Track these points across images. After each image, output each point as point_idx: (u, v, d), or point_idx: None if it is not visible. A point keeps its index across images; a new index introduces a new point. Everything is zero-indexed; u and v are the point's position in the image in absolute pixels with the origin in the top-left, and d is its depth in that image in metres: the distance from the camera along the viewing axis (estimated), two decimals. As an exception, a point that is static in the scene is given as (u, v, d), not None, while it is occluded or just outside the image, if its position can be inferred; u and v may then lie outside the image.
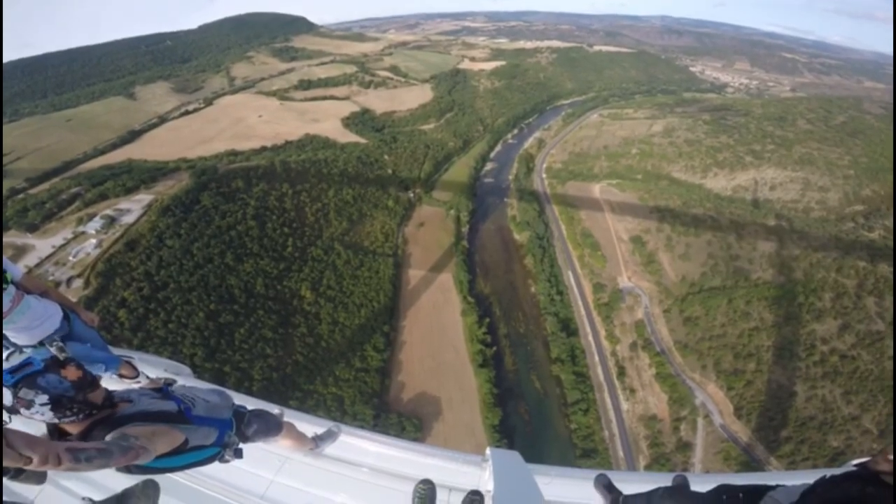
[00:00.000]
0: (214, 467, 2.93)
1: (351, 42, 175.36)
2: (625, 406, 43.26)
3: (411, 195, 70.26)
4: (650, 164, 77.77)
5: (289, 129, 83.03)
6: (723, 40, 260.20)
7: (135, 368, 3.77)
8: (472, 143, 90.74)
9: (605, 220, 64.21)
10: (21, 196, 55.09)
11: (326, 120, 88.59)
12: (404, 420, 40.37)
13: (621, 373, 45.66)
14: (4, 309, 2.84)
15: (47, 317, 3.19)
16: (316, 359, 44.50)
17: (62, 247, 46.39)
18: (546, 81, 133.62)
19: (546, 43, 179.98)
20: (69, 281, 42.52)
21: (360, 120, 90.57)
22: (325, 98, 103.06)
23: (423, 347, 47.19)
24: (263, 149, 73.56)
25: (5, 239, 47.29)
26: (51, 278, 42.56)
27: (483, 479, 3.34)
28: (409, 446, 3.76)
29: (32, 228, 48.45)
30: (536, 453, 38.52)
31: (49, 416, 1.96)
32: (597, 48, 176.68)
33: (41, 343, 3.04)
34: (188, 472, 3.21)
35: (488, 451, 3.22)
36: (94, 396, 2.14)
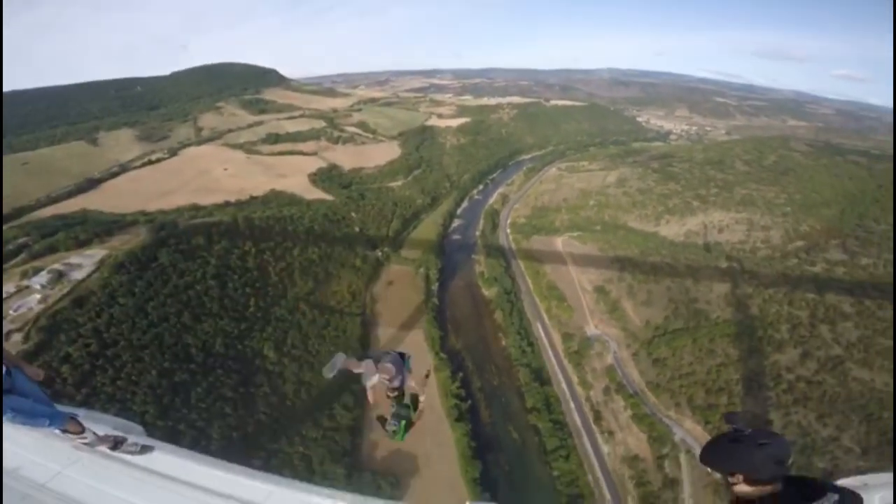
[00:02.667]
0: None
1: (321, 97, 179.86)
2: (605, 449, 43.64)
3: (379, 254, 70.17)
4: (607, 215, 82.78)
5: (254, 183, 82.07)
6: (664, 88, 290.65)
7: (80, 424, 3.64)
8: (439, 199, 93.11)
9: (569, 272, 66.97)
10: None
11: (293, 175, 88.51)
12: (379, 478, 38.75)
13: (597, 417, 46.44)
14: None
15: None
16: (280, 418, 42.45)
17: (3, 300, 42.81)
18: (508, 137, 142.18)
19: (507, 99, 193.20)
20: (8, 335, 39.35)
21: (328, 176, 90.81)
22: (292, 153, 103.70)
23: (396, 406, 45.62)
24: (227, 204, 72.02)
25: None
26: None
27: None
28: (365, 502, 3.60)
29: None
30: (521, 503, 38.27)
31: None
32: (553, 102, 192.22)
33: None
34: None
35: None
36: None
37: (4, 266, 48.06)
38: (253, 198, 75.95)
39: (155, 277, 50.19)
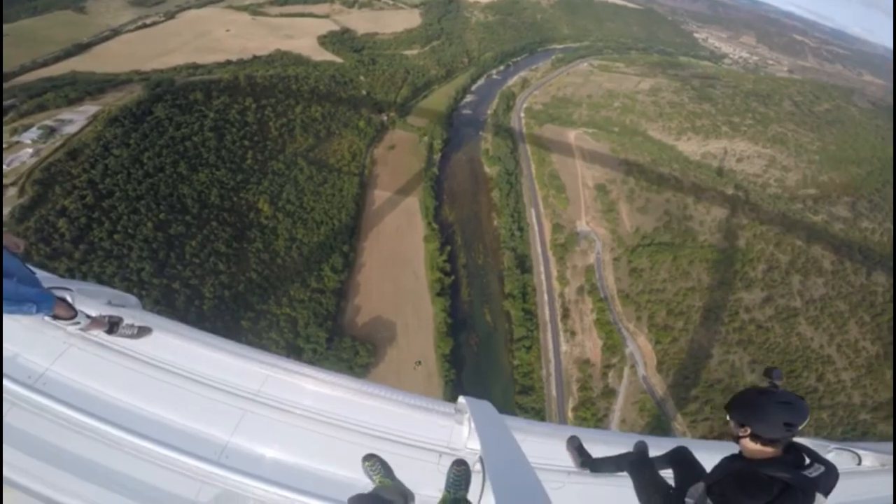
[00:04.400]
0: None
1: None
2: (564, 347, 44.70)
3: (384, 118, 67.47)
4: (629, 119, 78.27)
5: (259, 44, 77.08)
6: (737, 12, 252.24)
7: (71, 307, 2.98)
8: (455, 73, 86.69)
9: (575, 165, 64.99)
10: None
11: (302, 37, 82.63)
12: (358, 344, 39.84)
13: (566, 314, 46.99)
14: None
15: None
16: (271, 276, 43.02)
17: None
18: (542, 23, 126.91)
19: None
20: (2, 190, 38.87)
21: (339, 39, 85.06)
22: (302, 15, 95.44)
23: (383, 271, 46.55)
24: (228, 63, 68.50)
25: None
26: None
27: (459, 434, 2.93)
28: (363, 388, 3.09)
29: None
30: (481, 385, 39.89)
31: None
32: None
33: None
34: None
35: (462, 400, 2.90)
36: None
37: None
38: (256, 57, 72.07)
39: (150, 130, 48.84)
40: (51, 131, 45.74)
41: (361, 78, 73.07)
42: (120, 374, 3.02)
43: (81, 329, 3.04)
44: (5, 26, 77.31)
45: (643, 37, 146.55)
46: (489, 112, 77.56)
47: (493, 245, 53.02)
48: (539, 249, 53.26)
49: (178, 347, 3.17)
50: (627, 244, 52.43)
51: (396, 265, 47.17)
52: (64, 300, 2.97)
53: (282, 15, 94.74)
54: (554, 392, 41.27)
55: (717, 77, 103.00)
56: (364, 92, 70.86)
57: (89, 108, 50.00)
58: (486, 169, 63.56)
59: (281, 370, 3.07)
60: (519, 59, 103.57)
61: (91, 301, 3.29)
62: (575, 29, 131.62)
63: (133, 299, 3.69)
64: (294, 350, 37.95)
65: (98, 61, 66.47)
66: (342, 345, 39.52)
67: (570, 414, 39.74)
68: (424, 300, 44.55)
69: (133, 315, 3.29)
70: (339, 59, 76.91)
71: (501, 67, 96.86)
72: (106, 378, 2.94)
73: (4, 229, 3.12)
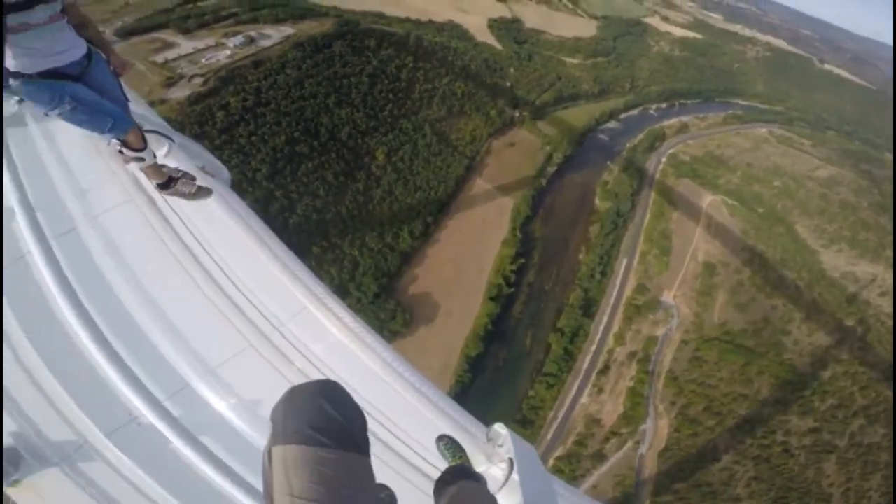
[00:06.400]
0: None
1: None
2: (583, 399, 42.63)
3: (516, 114, 67.10)
4: (781, 205, 67.17)
5: (437, 10, 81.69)
6: None
7: (143, 139, 2.76)
8: (608, 95, 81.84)
9: (694, 232, 58.66)
10: (190, 6, 60.88)
11: (475, 14, 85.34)
12: (398, 311, 40.89)
13: (604, 371, 44.37)
14: (35, 21, 2.17)
15: (69, 48, 2.43)
16: (356, 217, 46.33)
17: (201, 50, 51.88)
18: (735, 73, 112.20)
19: (767, 38, 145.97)
20: (191, 77, 48.00)
21: (506, 26, 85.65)
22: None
23: (453, 254, 47.53)
24: (407, 20, 74.12)
25: (160, 34, 52.99)
26: (179, 71, 48.26)
27: (486, 471, 2.15)
28: (392, 363, 2.50)
29: (185, 31, 54.30)
30: (487, 399, 39.27)
31: None
32: (829, 67, 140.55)
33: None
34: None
35: (502, 431, 2.20)
36: None
37: (214, 26, 56.37)
38: (431, 21, 76.77)
39: (323, 60, 55.99)
40: (251, 41, 54.71)
41: (511, 70, 73.24)
42: (145, 242, 2.73)
43: (141, 168, 2.81)
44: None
45: (853, 119, 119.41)
46: (628, 145, 72.10)
47: (568, 277, 50.57)
48: (612, 301, 49.67)
49: (227, 232, 2.80)
50: (706, 334, 47.45)
51: (467, 255, 47.69)
52: (139, 130, 2.75)
53: None
54: (549, 436, 40.03)
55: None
56: (508, 84, 71.08)
57: (287, 31, 58.32)
58: (597, 201, 59.91)
59: (320, 306, 2.58)
60: (689, 102, 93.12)
61: (183, 156, 3.06)
62: (772, 89, 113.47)
63: (226, 172, 3.37)
64: (343, 291, 40.53)
65: (313, -10, 76.38)
66: (385, 305, 41.11)
67: (551, 461, 38.43)
68: (476, 298, 44.68)
69: (218, 183, 3.01)
70: (498, 46, 78.05)
71: (664, 105, 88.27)
72: (127, 241, 2.71)
73: (113, 49, 2.95)
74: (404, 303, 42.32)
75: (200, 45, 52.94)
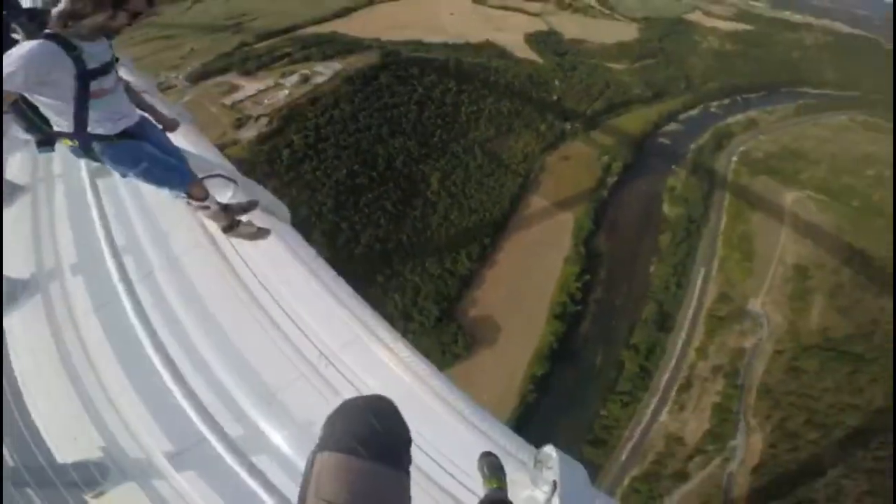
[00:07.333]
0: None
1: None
2: (663, 417, 39.19)
3: (567, 127, 65.45)
4: (879, 195, 59.47)
5: (474, 31, 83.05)
6: None
7: (204, 189, 2.89)
8: (664, 97, 77.74)
9: (779, 234, 53.35)
10: (247, 48, 66.81)
11: (511, 31, 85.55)
12: (460, 334, 40.88)
13: (685, 387, 40.73)
14: (103, 87, 2.29)
15: (131, 110, 2.61)
16: (417, 244, 47.27)
17: (263, 91, 56.18)
18: (797, 62, 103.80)
19: (823, 22, 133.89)
20: (258, 118, 52.16)
21: (544, 40, 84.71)
22: (517, 10, 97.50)
23: (511, 275, 46.54)
24: (445, 45, 75.75)
25: (226, 78, 58.01)
26: (246, 112, 52.52)
27: (532, 489, 2.04)
28: (441, 390, 2.47)
29: (247, 74, 59.23)
30: (552, 419, 37.73)
31: None
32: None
33: None
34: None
35: (551, 452, 2.09)
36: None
37: (272, 67, 60.98)
38: (468, 44, 77.85)
39: (372, 92, 58.52)
40: (305, 79, 58.30)
41: (556, 83, 72.01)
42: (211, 282, 3.04)
43: (208, 215, 2.98)
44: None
45: None
46: (693, 147, 67.63)
47: (639, 291, 47.48)
48: (690, 313, 45.91)
49: (285, 266, 2.96)
50: (803, 342, 42.44)
51: (527, 275, 46.39)
52: (200, 182, 2.87)
53: (498, 7, 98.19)
54: (624, 456, 37.11)
55: None
56: (555, 97, 69.94)
57: (336, 66, 61.67)
58: (666, 208, 56.19)
59: (373, 336, 2.64)
60: (753, 95, 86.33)
61: (245, 198, 3.30)
62: (843, 74, 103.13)
63: (286, 212, 3.50)
64: (406, 316, 41.20)
65: (354, 25, 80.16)
66: (447, 328, 41.19)
67: (626, 481, 35.62)
68: (540, 318, 43.18)
69: (277, 223, 3.18)
70: (539, 60, 77.39)
71: (726, 101, 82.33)
72: (196, 281, 3.05)
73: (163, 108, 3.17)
74: (465, 326, 42.03)
75: (261, 86, 57.10)
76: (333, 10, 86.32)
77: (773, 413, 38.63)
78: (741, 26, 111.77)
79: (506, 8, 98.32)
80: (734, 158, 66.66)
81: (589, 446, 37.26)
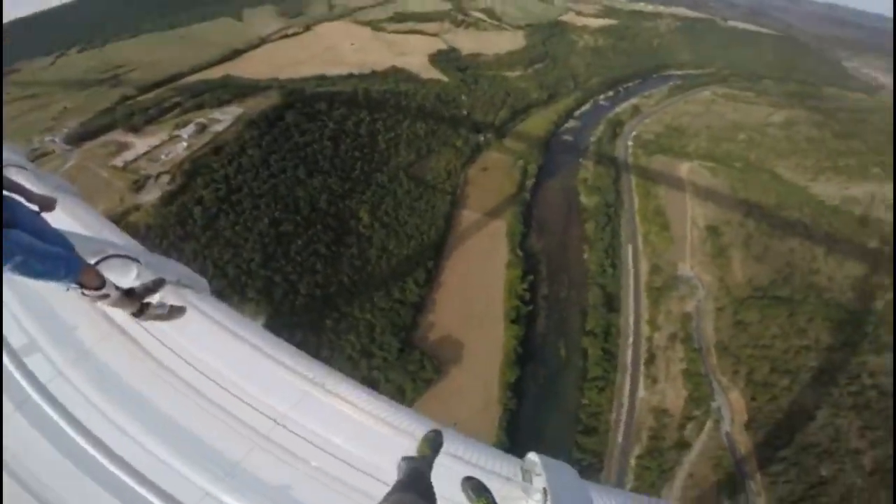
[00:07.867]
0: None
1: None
2: (641, 393, 41.53)
3: (481, 138, 68.60)
4: (755, 155, 69.66)
5: (377, 59, 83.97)
6: None
7: (99, 276, 2.53)
8: (557, 97, 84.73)
9: (685, 201, 59.59)
10: (130, 102, 61.45)
11: (413, 54, 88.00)
12: (425, 359, 40.53)
13: (651, 360, 43.52)
14: None
15: None
16: (359, 282, 45.93)
17: (157, 147, 51.51)
18: (659, 48, 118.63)
19: (672, 9, 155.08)
20: (158, 176, 47.36)
21: (446, 58, 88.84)
22: (415, 32, 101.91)
23: (460, 291, 47.11)
24: (350, 76, 75.46)
25: (111, 136, 53.03)
26: (143, 172, 47.58)
27: (526, 500, 2.13)
28: (411, 424, 2.53)
29: (134, 130, 54.10)
30: (538, 420, 38.46)
31: None
32: (732, 23, 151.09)
33: None
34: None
35: (534, 458, 2.17)
36: None
37: (161, 120, 56.53)
38: (374, 72, 78.43)
39: (280, 134, 56.13)
40: (203, 128, 54.41)
41: (463, 97, 75.46)
42: (130, 371, 2.75)
43: (110, 304, 2.62)
44: (181, 30, 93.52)
45: (780, 65, 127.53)
46: (592, 139, 74.28)
47: (580, 279, 50.57)
48: (631, 290, 49.62)
49: (212, 339, 2.83)
50: (736, 295, 46.90)
51: (475, 287, 47.36)
52: (92, 268, 2.50)
53: (398, 32, 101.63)
54: (620, 438, 38.58)
55: (871, 109, 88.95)
56: (465, 112, 72.94)
57: (235, 110, 58.34)
58: (583, 199, 60.84)
59: (321, 389, 2.62)
60: (630, 84, 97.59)
61: (159, 272, 2.97)
62: (697, 55, 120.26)
63: (203, 283, 3.26)
64: (366, 354, 40.11)
65: (247, 66, 77.32)
66: (411, 357, 40.61)
67: (632, 461, 36.96)
68: (497, 325, 44.10)
69: (201, 299, 3.00)
70: (444, 78, 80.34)
71: (610, 93, 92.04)
72: (115, 374, 2.74)
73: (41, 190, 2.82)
74: (428, 350, 41.82)
75: (155, 140, 52.50)
76: (219, 53, 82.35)
77: (739, 368, 41.63)
78: (607, 21, 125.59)
79: (405, 32, 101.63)
80: (629, 143, 74.19)
81: (583, 436, 38.37)
